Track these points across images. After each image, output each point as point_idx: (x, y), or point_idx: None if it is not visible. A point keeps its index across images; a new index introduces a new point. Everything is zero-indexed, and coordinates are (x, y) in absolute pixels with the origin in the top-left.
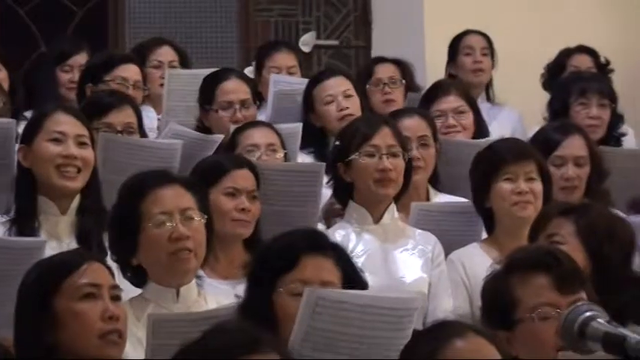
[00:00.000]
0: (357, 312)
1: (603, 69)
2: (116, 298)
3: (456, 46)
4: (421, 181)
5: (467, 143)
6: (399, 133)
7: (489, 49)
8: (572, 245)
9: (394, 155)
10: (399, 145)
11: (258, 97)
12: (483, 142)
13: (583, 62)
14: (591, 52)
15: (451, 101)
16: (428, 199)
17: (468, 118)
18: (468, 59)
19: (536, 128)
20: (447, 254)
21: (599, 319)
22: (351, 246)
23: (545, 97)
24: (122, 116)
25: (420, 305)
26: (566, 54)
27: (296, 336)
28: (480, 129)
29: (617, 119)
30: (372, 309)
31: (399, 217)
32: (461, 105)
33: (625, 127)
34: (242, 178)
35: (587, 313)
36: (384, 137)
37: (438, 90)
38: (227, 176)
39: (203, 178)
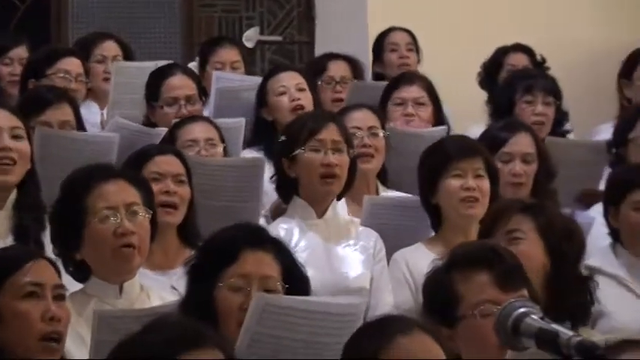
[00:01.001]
0: (304, 318)
1: (539, 67)
2: (60, 298)
3: (380, 44)
4: (372, 171)
5: (413, 133)
6: (345, 130)
7: (414, 44)
8: (533, 241)
9: (339, 151)
10: (345, 142)
11: (204, 93)
12: (427, 132)
13: (519, 60)
14: (527, 50)
15: (413, 91)
16: (377, 194)
17: (427, 111)
18: (394, 55)
19: (474, 126)
20: (398, 248)
21: (532, 316)
22: (294, 241)
23: (481, 95)
24: (59, 114)
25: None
26: (502, 52)
27: (242, 341)
28: (439, 124)
29: (561, 116)
30: (319, 315)
31: (352, 211)
32: (422, 96)
33: (568, 124)
34: (165, 163)
35: (521, 310)
36: (330, 133)
37: (402, 79)
38: (151, 162)
39: (130, 166)
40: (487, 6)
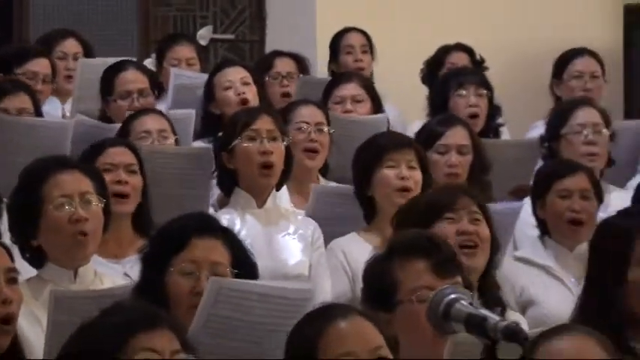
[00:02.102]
0: (258, 301)
1: (479, 66)
2: (12, 281)
3: (336, 45)
4: (316, 167)
5: (355, 120)
6: (278, 120)
7: (368, 46)
8: (484, 223)
9: (274, 139)
10: (279, 131)
11: (159, 87)
12: (370, 118)
13: (460, 59)
14: (468, 50)
15: (351, 89)
16: None
17: (365, 107)
18: (349, 58)
19: (417, 122)
20: (342, 235)
21: (462, 301)
22: (236, 230)
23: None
24: (17, 101)
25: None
26: (444, 51)
27: (197, 322)
28: None
29: (494, 110)
30: (271, 298)
31: (296, 202)
32: (359, 94)
33: (502, 120)
34: (117, 154)
35: (452, 296)
36: (263, 123)
37: (341, 78)
38: (104, 154)
39: (85, 158)
40: (432, 7)
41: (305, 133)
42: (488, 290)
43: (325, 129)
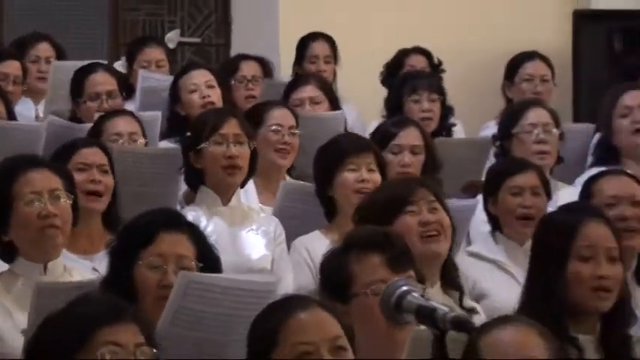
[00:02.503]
0: (223, 293)
1: (436, 68)
2: None
3: (302, 52)
4: (287, 166)
5: (315, 117)
6: (245, 124)
7: (332, 55)
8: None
9: (240, 143)
10: (245, 135)
11: (128, 89)
12: (328, 114)
13: (418, 62)
14: (426, 53)
15: (308, 91)
16: None
17: (323, 108)
18: (313, 67)
19: (374, 122)
20: (307, 231)
21: (413, 294)
22: (202, 226)
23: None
24: None
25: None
26: (403, 54)
27: (167, 315)
28: None
29: (447, 111)
30: (236, 291)
31: (265, 199)
32: (317, 95)
33: (456, 120)
34: (91, 154)
35: (404, 288)
36: (231, 127)
37: (298, 80)
38: (77, 154)
39: (57, 158)
40: (392, 12)
41: (279, 135)
42: (449, 275)
43: (297, 132)
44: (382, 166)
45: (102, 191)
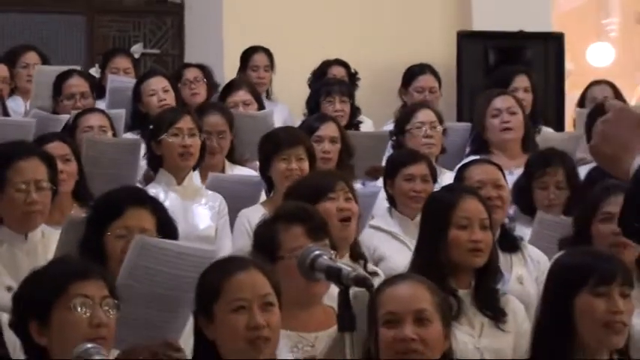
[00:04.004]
0: (173, 256)
1: (353, 77)
2: None
3: (245, 62)
4: (220, 160)
5: (250, 115)
6: (196, 120)
7: (270, 65)
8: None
9: (193, 136)
10: (197, 129)
11: (99, 90)
12: (260, 113)
13: (338, 72)
14: (344, 64)
15: (241, 95)
16: (224, 170)
17: (253, 108)
18: (254, 74)
19: (300, 119)
20: (235, 211)
21: (325, 257)
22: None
23: None
24: None
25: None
26: (326, 64)
27: (123, 272)
28: None
29: (355, 111)
30: (184, 255)
31: (203, 183)
32: (248, 99)
33: (363, 117)
34: (53, 148)
35: (316, 252)
36: (185, 122)
37: (231, 86)
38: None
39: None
40: (318, 29)
41: (211, 140)
42: (356, 249)
43: (226, 136)
44: (312, 155)
45: (64, 178)
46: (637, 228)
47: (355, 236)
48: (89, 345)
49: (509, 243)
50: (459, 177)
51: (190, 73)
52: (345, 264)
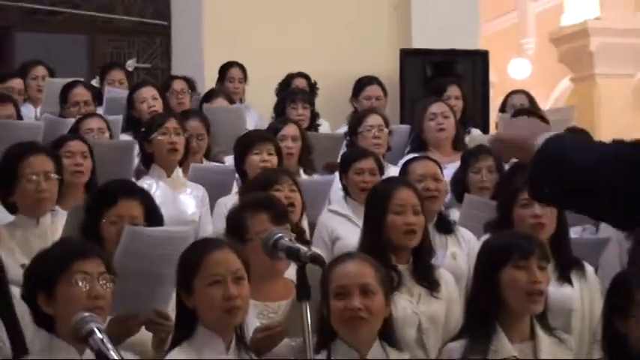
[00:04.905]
0: (157, 240)
1: (313, 87)
2: None
3: (223, 74)
4: (198, 157)
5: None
6: (181, 122)
7: (243, 77)
8: (298, 193)
9: (178, 134)
10: (181, 129)
11: (100, 99)
12: (234, 107)
13: (300, 83)
14: (306, 76)
15: (219, 102)
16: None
17: None
18: (231, 85)
19: (269, 121)
20: (213, 198)
21: (285, 238)
22: (152, 191)
23: None
24: (4, 110)
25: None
26: (291, 76)
27: (119, 253)
28: None
29: (315, 115)
30: (167, 239)
31: (185, 176)
32: (225, 105)
33: (322, 120)
34: (74, 145)
35: (279, 234)
36: (171, 124)
37: (211, 94)
38: (65, 145)
39: (52, 146)
40: (285, 46)
41: (191, 140)
42: (300, 234)
43: (205, 138)
44: (279, 152)
45: (83, 171)
46: (547, 193)
47: (298, 220)
48: (86, 314)
49: (445, 226)
50: (404, 171)
51: (177, 85)
52: (302, 245)
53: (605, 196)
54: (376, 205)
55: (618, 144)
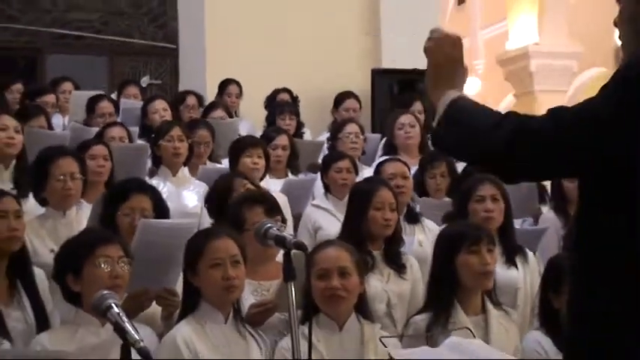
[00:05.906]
0: (168, 230)
1: (295, 100)
2: (18, 217)
3: (222, 89)
4: (204, 160)
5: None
6: (185, 129)
7: (239, 93)
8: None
9: (182, 140)
10: (185, 135)
11: (119, 110)
12: (230, 120)
13: (284, 97)
14: (289, 91)
15: (218, 113)
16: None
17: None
18: (228, 99)
19: (260, 130)
20: None
21: (275, 228)
22: (160, 188)
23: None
24: (37, 121)
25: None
26: (276, 92)
27: (135, 242)
28: None
29: (300, 125)
30: (174, 230)
31: (192, 175)
32: (224, 115)
33: (305, 129)
34: (97, 150)
35: (269, 224)
36: (176, 131)
37: (212, 106)
38: (90, 149)
39: (79, 149)
40: (273, 67)
41: (199, 147)
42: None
43: (211, 144)
44: (267, 156)
45: (104, 172)
46: (446, 142)
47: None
48: (105, 292)
49: (413, 217)
50: (378, 170)
51: (191, 100)
52: (289, 233)
53: (492, 157)
54: (359, 201)
55: (514, 115)
